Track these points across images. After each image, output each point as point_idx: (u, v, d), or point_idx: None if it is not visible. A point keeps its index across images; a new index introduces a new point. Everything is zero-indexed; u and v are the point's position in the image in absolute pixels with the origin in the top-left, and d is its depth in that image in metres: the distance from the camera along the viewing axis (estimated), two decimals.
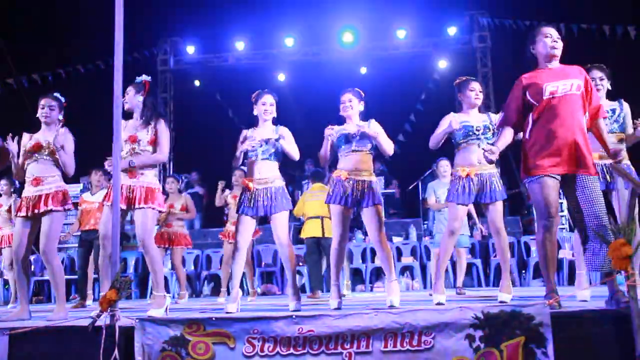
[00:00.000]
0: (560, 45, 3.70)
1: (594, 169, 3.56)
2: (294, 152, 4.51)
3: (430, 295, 6.24)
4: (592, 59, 3.81)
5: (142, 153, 4.20)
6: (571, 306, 3.55)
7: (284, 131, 4.52)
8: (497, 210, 4.36)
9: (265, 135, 4.47)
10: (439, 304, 4.08)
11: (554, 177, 3.59)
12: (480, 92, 4.53)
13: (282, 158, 4.54)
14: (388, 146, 4.47)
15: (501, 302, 4.00)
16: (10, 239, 7.13)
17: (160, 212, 4.32)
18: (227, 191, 7.36)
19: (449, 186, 4.52)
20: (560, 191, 3.71)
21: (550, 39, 3.69)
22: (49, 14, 10.99)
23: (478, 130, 4.40)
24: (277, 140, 4.43)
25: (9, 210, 7.15)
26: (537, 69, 3.77)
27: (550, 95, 3.61)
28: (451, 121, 4.44)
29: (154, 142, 4.25)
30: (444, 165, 6.66)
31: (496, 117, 4.48)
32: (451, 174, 4.59)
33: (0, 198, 7.31)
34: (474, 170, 4.36)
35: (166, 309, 4.05)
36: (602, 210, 3.47)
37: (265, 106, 4.53)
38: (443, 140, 4.51)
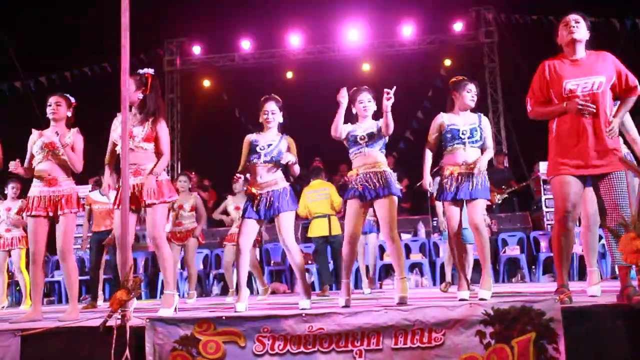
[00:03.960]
0: (578, 29, 3.63)
1: (619, 165, 3.51)
2: (295, 169, 4.49)
3: (441, 290, 6.27)
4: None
5: (135, 149, 4.17)
6: (582, 301, 3.53)
7: (289, 141, 4.51)
8: (476, 207, 4.29)
9: (269, 139, 4.47)
10: (462, 299, 4.01)
11: (576, 176, 3.56)
12: (477, 94, 4.46)
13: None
14: (390, 124, 4.36)
15: (481, 299, 3.96)
16: (19, 241, 7.23)
17: (172, 203, 4.29)
18: (229, 198, 7.39)
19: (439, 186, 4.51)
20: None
21: (566, 26, 3.66)
22: (56, 17, 11.04)
23: (464, 135, 4.36)
24: (279, 156, 4.42)
25: (18, 213, 7.21)
26: (562, 55, 3.73)
27: (569, 94, 3.58)
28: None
29: (149, 139, 4.22)
30: None
31: (486, 121, 4.49)
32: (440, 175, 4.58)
33: (7, 201, 7.39)
34: (458, 169, 4.34)
35: (175, 308, 4.06)
36: (625, 208, 3.43)
37: (267, 115, 4.51)
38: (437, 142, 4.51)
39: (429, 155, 4.58)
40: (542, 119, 3.79)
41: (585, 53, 3.69)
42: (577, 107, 3.51)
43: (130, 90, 4.22)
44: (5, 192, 7.42)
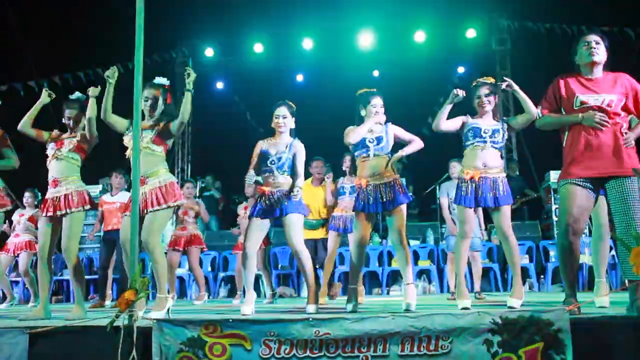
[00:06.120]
0: (599, 51, 3.59)
1: (630, 170, 3.48)
2: (299, 173, 4.48)
3: (448, 299, 6.23)
4: (614, 62, 3.75)
5: (143, 151, 4.12)
6: (591, 312, 3.50)
7: (298, 148, 4.50)
8: (503, 215, 4.23)
9: (279, 150, 4.46)
10: (464, 308, 3.98)
11: (583, 186, 3.53)
12: (487, 96, 4.38)
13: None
14: (418, 145, 4.46)
15: (510, 307, 3.94)
16: (26, 245, 7.43)
17: (177, 207, 4.31)
18: (243, 204, 7.41)
19: (456, 189, 4.47)
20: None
21: (587, 47, 3.61)
22: (70, 17, 11.12)
23: (485, 133, 4.30)
24: (290, 168, 4.47)
25: (29, 220, 7.48)
26: (578, 74, 3.70)
27: (580, 106, 3.56)
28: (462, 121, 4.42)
29: (157, 142, 4.23)
30: (453, 166, 6.66)
31: (513, 121, 4.44)
32: (458, 177, 4.55)
33: (24, 210, 7.75)
34: (479, 174, 4.28)
35: (168, 310, 4.04)
36: (634, 216, 3.39)
37: (279, 120, 4.51)
38: (443, 121, 4.34)
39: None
40: (550, 128, 3.77)
41: (602, 73, 3.66)
42: (593, 120, 3.48)
43: (157, 104, 4.30)
44: (24, 201, 7.69)
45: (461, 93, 4.23)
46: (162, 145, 4.25)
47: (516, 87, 4.20)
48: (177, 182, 4.38)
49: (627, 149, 3.52)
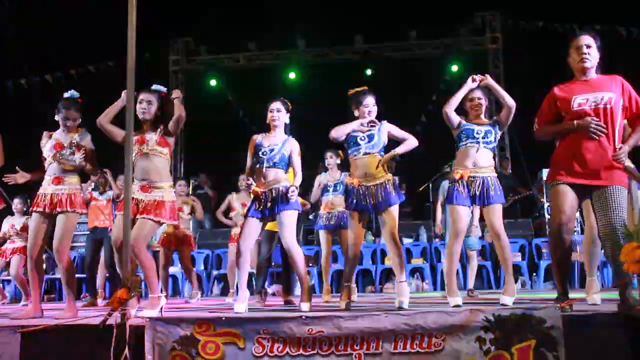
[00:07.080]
0: (591, 55, 3.60)
1: (619, 180, 3.49)
2: (297, 171, 4.50)
3: (444, 296, 6.23)
4: (606, 61, 3.76)
5: (150, 153, 4.20)
6: (583, 309, 3.52)
7: (293, 145, 4.50)
8: (494, 213, 4.24)
9: (273, 143, 4.46)
10: (456, 306, 3.98)
11: (572, 186, 3.55)
12: (479, 99, 4.39)
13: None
14: (412, 144, 4.47)
15: (503, 305, 3.95)
16: (19, 250, 7.42)
17: (163, 223, 4.30)
18: (234, 194, 7.36)
19: (448, 190, 4.49)
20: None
21: (577, 52, 3.62)
22: (61, 14, 11.06)
23: (478, 134, 4.33)
24: (282, 161, 4.44)
25: (21, 229, 7.42)
26: (573, 79, 3.71)
27: (578, 107, 3.56)
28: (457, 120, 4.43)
29: (162, 144, 4.25)
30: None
31: (501, 119, 4.46)
32: (449, 178, 4.57)
33: (14, 217, 7.61)
34: (468, 173, 4.28)
35: (161, 309, 4.02)
36: (618, 221, 3.40)
37: (273, 113, 4.50)
38: (453, 109, 4.35)
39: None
40: (548, 138, 3.78)
41: (597, 75, 3.67)
42: (588, 127, 3.48)
43: (153, 107, 4.29)
44: (13, 207, 7.58)
45: (476, 79, 4.28)
46: (167, 147, 4.28)
47: (492, 83, 4.28)
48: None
49: (617, 162, 3.52)
